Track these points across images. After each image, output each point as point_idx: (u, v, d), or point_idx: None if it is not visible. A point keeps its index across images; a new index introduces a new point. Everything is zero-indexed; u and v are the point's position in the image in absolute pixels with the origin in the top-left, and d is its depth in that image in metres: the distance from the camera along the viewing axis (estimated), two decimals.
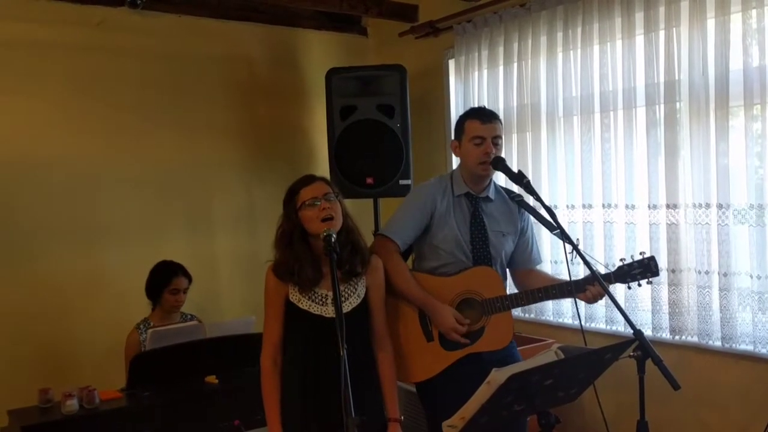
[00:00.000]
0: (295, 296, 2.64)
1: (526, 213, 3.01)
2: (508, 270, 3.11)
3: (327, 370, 2.59)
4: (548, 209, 2.80)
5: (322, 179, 2.70)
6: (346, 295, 2.66)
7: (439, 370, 2.90)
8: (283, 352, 2.69)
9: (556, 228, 2.80)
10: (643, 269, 2.77)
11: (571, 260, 2.82)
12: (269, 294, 2.69)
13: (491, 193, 3.01)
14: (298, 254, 2.62)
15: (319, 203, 2.59)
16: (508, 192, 3.06)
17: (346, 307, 2.61)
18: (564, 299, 4.04)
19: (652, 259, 2.77)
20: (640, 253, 2.79)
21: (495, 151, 2.90)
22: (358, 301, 2.68)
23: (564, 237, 2.77)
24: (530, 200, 2.95)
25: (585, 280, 2.80)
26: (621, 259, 2.83)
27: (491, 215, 2.99)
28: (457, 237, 2.95)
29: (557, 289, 2.83)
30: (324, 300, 2.64)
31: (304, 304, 2.63)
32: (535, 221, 2.98)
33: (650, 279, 2.80)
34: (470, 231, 2.97)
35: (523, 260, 3.08)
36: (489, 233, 2.96)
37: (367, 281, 2.72)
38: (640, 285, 2.82)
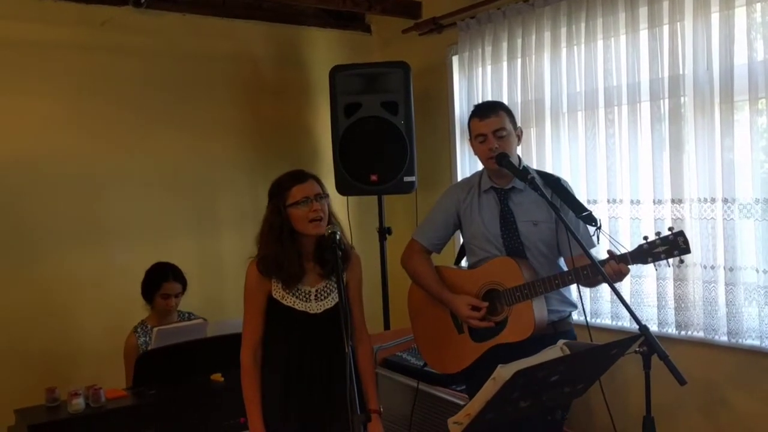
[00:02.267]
0: (278, 293, 2.65)
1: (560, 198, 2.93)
2: (563, 259, 3.04)
3: (311, 366, 2.62)
4: (552, 205, 2.79)
5: (313, 177, 2.71)
6: (328, 291, 2.68)
7: (469, 362, 2.96)
8: (263, 350, 2.70)
9: (583, 210, 2.78)
10: (669, 246, 2.58)
11: (596, 242, 2.75)
12: (250, 290, 2.70)
13: (519, 184, 2.99)
14: (287, 249, 2.63)
15: (310, 203, 2.60)
16: (546, 177, 3.00)
17: (329, 303, 2.65)
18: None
19: (680, 234, 2.58)
20: (669, 229, 2.63)
21: (500, 143, 2.91)
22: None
23: (589, 220, 2.75)
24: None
25: (601, 263, 2.67)
26: (644, 237, 2.67)
27: (521, 205, 2.99)
28: (483, 232, 2.99)
29: (573, 273, 2.76)
30: (308, 296, 2.66)
31: (288, 300, 2.64)
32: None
33: (681, 257, 2.61)
34: (499, 224, 2.98)
35: (569, 247, 2.94)
36: (518, 224, 2.96)
37: (347, 276, 2.73)
38: (669, 265, 2.68)
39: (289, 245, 2.64)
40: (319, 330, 2.56)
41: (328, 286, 2.69)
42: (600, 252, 2.88)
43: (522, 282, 2.84)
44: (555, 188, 2.93)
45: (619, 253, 2.73)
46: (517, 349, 2.72)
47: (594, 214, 2.82)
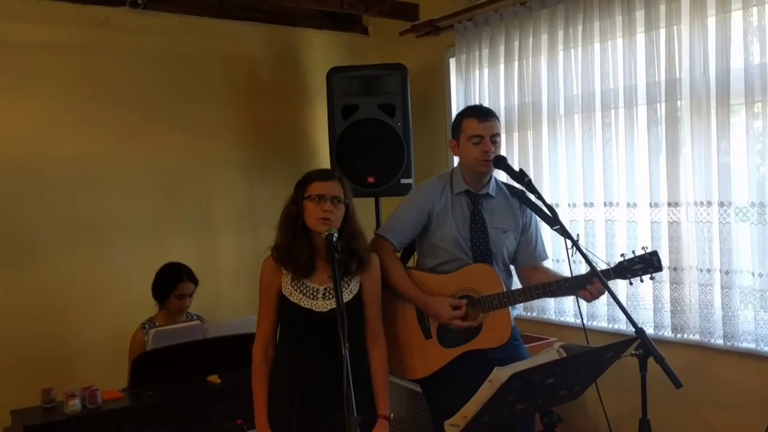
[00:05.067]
0: (287, 289, 2.66)
1: (528, 209, 3.00)
2: (513, 267, 3.09)
3: (314, 364, 2.62)
4: (549, 207, 2.80)
5: (339, 180, 2.70)
6: None
7: (437, 367, 2.92)
8: (273, 346, 2.73)
9: (556, 224, 2.80)
10: (644, 264, 2.71)
11: (572, 255, 2.77)
12: (263, 285, 2.72)
13: (491, 190, 3.00)
14: (298, 240, 2.64)
15: (323, 202, 2.60)
16: (510, 188, 3.03)
17: None
18: (566, 297, 4.10)
19: (654, 254, 2.71)
20: (642, 248, 2.74)
21: (494, 149, 2.91)
22: (350, 296, 2.69)
23: (564, 233, 2.77)
24: (532, 197, 2.95)
25: (584, 277, 2.75)
26: (622, 255, 2.77)
27: (492, 212, 2.99)
28: (455, 235, 2.96)
29: (555, 285, 2.79)
30: (315, 294, 2.66)
31: (295, 297, 2.65)
32: (538, 218, 2.99)
33: (653, 274, 2.74)
34: (470, 228, 2.96)
35: (527, 257, 3.05)
36: (489, 230, 2.96)
37: (361, 277, 2.73)
38: (642, 281, 2.76)
39: (301, 237, 2.65)
40: (324, 329, 2.55)
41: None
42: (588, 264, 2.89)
43: (501, 290, 2.84)
44: (522, 198, 2.98)
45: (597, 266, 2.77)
46: (482, 354, 2.79)
47: (577, 221, 2.85)
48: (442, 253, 2.99)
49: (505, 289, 2.85)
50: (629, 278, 2.75)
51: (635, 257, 2.72)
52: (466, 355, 2.87)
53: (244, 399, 2.76)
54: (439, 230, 3.00)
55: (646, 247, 2.74)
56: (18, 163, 4.13)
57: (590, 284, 2.73)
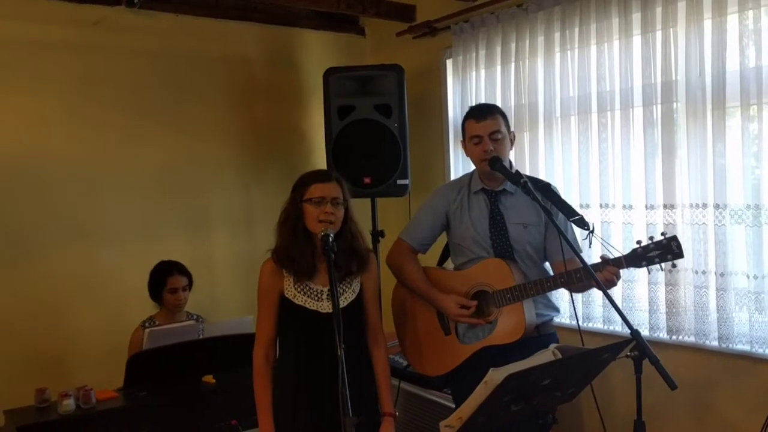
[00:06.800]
0: (290, 292, 2.66)
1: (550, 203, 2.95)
2: (548, 263, 3.07)
3: (320, 365, 2.61)
4: (545, 209, 2.80)
5: (337, 180, 2.71)
6: (341, 291, 2.68)
7: (456, 363, 2.95)
8: (277, 348, 2.71)
9: (575, 215, 2.79)
10: (662, 251, 2.60)
11: (588, 246, 2.76)
12: (263, 289, 2.72)
13: (509, 186, 3.01)
14: (299, 242, 2.64)
15: (324, 205, 2.61)
16: (535, 182, 2.99)
17: (342, 303, 2.64)
18: (561, 298, 4.10)
19: (673, 239, 2.60)
20: (662, 234, 2.65)
21: (495, 146, 2.92)
22: (353, 296, 2.70)
23: (582, 224, 2.76)
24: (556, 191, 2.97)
25: (594, 267, 2.68)
26: (637, 242, 2.69)
27: (511, 208, 3.00)
28: (473, 233, 2.99)
29: (566, 276, 2.76)
30: (319, 295, 2.66)
31: (299, 299, 2.65)
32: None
33: (673, 262, 2.63)
34: (489, 226, 2.98)
35: (556, 251, 2.97)
36: (508, 226, 2.97)
37: (362, 277, 2.74)
38: (662, 269, 2.69)
39: (302, 239, 2.66)
40: (331, 329, 2.56)
41: (340, 286, 2.69)
42: (592, 257, 2.89)
43: (512, 284, 2.84)
44: (545, 193, 2.94)
45: (612, 257, 2.74)
46: (503, 352, 2.75)
47: (586, 218, 2.83)
48: (465, 251, 3.04)
49: (516, 283, 2.84)
50: (645, 266, 2.66)
51: (651, 243, 2.63)
52: (484, 351, 2.88)
53: (238, 399, 2.76)
54: (458, 229, 3.06)
55: (665, 233, 2.66)
56: (12, 161, 4.11)
57: (599, 271, 2.68)
